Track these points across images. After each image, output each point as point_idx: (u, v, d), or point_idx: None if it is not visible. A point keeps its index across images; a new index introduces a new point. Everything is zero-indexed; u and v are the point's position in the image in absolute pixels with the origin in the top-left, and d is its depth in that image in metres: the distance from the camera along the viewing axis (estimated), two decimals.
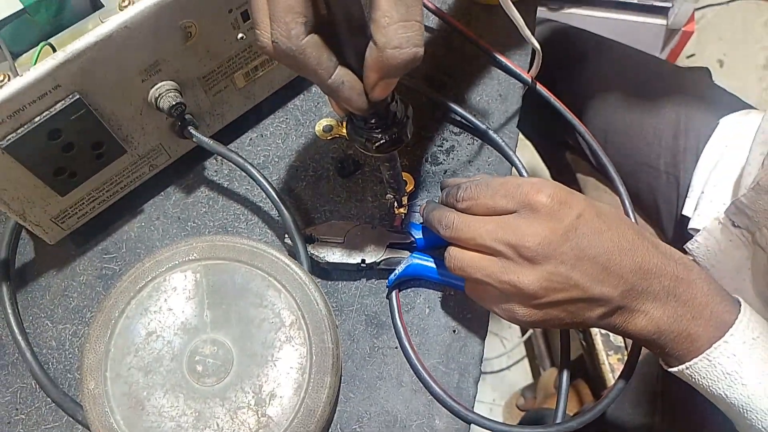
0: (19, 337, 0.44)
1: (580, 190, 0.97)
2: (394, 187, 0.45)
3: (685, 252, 0.61)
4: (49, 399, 0.44)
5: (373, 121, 0.37)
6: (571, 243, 0.36)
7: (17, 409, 0.44)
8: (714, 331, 0.37)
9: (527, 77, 0.55)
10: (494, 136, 0.54)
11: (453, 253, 0.40)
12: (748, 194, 0.50)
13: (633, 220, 0.51)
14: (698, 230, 0.60)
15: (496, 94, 0.57)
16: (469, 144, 0.54)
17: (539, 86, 0.55)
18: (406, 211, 0.50)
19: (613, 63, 0.78)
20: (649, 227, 0.76)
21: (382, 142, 0.37)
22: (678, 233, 0.68)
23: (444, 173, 0.53)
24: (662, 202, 0.71)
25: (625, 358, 0.57)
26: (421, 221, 0.46)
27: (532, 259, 0.36)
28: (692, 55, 1.58)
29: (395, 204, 0.47)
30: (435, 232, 0.42)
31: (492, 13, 0.61)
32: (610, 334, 0.89)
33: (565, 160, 0.88)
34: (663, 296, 0.37)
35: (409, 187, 0.51)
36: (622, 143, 0.73)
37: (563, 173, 1.01)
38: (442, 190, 0.45)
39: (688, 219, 0.63)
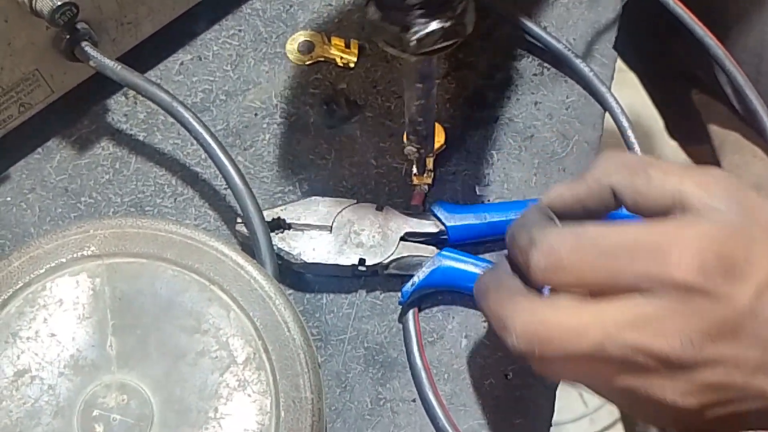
0: None
1: (714, 155, 0.96)
2: (421, 132, 0.46)
3: None
4: None
5: None
6: (749, 337, 0.35)
7: None
8: None
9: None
10: (577, 62, 0.54)
11: (549, 372, 0.39)
12: None
13: None
14: None
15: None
16: (535, 75, 0.54)
17: (720, 50, 0.54)
18: (431, 182, 0.50)
19: None
20: None
21: (428, 31, 0.38)
22: None
23: (494, 122, 0.53)
24: None
25: None
26: (455, 200, 0.46)
27: (684, 369, 0.35)
28: None
29: (416, 165, 0.48)
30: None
31: None
32: None
33: (690, 102, 0.88)
34: None
35: (439, 142, 0.51)
36: None
37: (685, 124, 1.01)
38: (510, 232, 0.41)
39: None
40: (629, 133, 0.53)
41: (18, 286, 0.42)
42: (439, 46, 0.39)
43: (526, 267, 0.37)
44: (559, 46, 0.54)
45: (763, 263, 0.34)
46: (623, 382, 0.36)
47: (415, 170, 0.50)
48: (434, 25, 0.37)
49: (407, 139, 0.47)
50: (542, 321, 0.36)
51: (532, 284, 0.38)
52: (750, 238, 0.35)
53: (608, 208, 0.39)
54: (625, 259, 0.35)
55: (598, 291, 0.36)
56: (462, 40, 0.39)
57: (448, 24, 0.38)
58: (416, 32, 0.37)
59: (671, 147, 1.10)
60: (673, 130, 1.04)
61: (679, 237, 0.35)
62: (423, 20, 0.37)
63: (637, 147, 0.52)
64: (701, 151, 1.07)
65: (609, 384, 0.37)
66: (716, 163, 1.03)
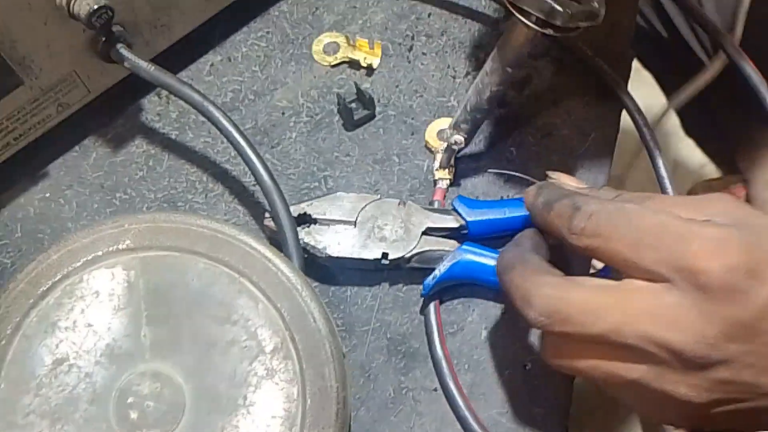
0: None
1: (731, 153, 0.95)
2: (477, 121, 0.47)
3: None
4: None
5: None
6: (761, 338, 0.34)
7: None
8: None
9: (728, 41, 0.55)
10: (595, 61, 0.53)
11: (561, 349, 0.38)
12: None
13: None
14: None
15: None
16: (553, 74, 0.54)
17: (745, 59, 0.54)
18: (452, 178, 0.50)
19: None
20: None
21: (583, 9, 0.40)
22: None
23: (515, 119, 0.53)
24: None
25: None
26: (475, 195, 0.46)
27: (698, 365, 0.35)
28: None
29: (442, 159, 0.48)
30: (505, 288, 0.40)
31: None
32: None
33: (707, 101, 0.87)
34: None
35: (441, 144, 0.51)
36: None
37: (701, 122, 1.00)
38: (537, 195, 0.41)
39: None
40: (645, 130, 0.52)
41: (56, 278, 0.42)
42: (575, 25, 0.40)
43: (566, 229, 0.37)
44: (580, 46, 0.54)
45: None
46: (635, 372, 0.36)
47: (437, 165, 0.50)
48: (585, 6, 0.40)
49: (455, 128, 0.48)
50: (564, 298, 0.36)
51: (567, 247, 0.38)
52: (764, 245, 0.34)
53: None
54: (651, 239, 0.35)
55: (623, 267, 0.36)
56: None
57: (594, 6, 0.41)
58: (569, 7, 0.40)
59: (688, 145, 1.09)
60: (689, 129, 1.03)
61: (703, 232, 0.34)
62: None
63: (654, 146, 0.52)
64: (717, 147, 1.06)
65: (620, 374, 0.36)
66: (732, 161, 1.02)
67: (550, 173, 0.43)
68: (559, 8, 0.40)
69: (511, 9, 0.42)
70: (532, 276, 0.38)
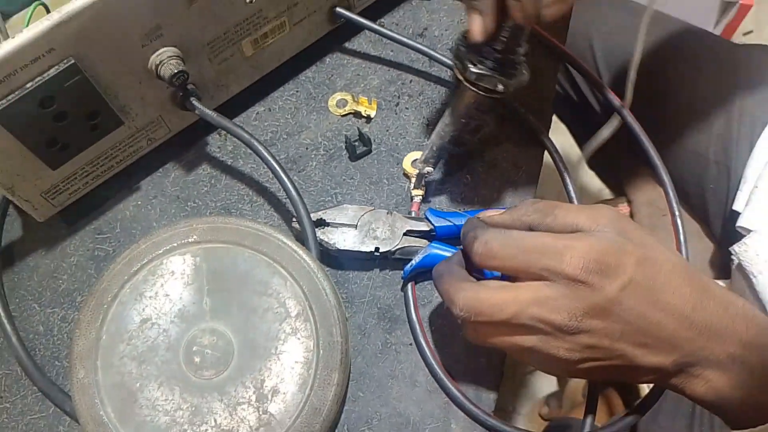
0: (5, 321, 0.45)
1: (620, 181, 0.96)
2: (440, 156, 0.47)
3: (730, 255, 0.60)
4: (35, 388, 0.45)
5: (498, 47, 0.40)
6: (614, 316, 0.35)
7: (1, 398, 0.45)
8: None
9: (619, 104, 0.55)
10: (527, 116, 0.54)
11: (478, 334, 0.38)
12: None
13: (678, 213, 0.51)
14: (747, 229, 0.60)
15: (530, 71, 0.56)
16: (497, 123, 0.54)
17: (631, 117, 0.55)
18: (424, 195, 0.50)
19: (662, 37, 0.77)
20: (695, 224, 0.75)
21: (485, 74, 0.40)
22: (727, 230, 0.68)
23: (469, 156, 0.53)
24: (710, 195, 0.71)
25: None
26: (441, 208, 0.46)
27: (572, 333, 0.35)
28: (750, 32, 1.55)
29: (416, 182, 0.48)
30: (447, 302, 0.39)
31: None
32: None
33: (604, 144, 0.87)
34: (727, 363, 0.36)
35: (414, 171, 0.51)
36: (668, 128, 0.73)
37: (600, 160, 1.01)
38: (463, 232, 0.41)
39: (738, 215, 0.63)
40: (560, 164, 0.53)
41: (144, 262, 0.42)
42: (484, 86, 0.41)
43: (470, 253, 0.38)
44: (515, 105, 0.54)
45: (628, 269, 0.35)
46: (530, 342, 0.36)
47: (413, 186, 0.50)
48: (492, 74, 0.41)
49: (424, 162, 0.48)
50: (476, 298, 0.37)
51: (474, 266, 0.39)
52: (623, 250, 0.35)
53: None
54: (535, 255, 0.35)
55: (515, 276, 0.37)
56: (497, 96, 0.42)
57: (502, 79, 0.41)
58: (479, 69, 0.40)
59: (590, 176, 1.10)
60: (591, 164, 1.03)
61: (573, 245, 0.35)
62: (489, 66, 0.40)
63: (567, 176, 0.52)
64: (611, 179, 1.07)
65: (521, 344, 0.37)
66: (621, 187, 1.02)
67: (479, 215, 0.43)
68: (501, 88, 0.41)
69: (465, 83, 0.42)
70: (455, 282, 0.38)
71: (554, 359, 0.36)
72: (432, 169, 0.48)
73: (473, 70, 0.41)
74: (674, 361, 0.36)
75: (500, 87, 0.41)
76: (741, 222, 0.61)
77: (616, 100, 0.55)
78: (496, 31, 0.40)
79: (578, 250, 0.35)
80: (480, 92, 0.42)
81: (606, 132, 0.53)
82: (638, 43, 0.48)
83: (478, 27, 0.40)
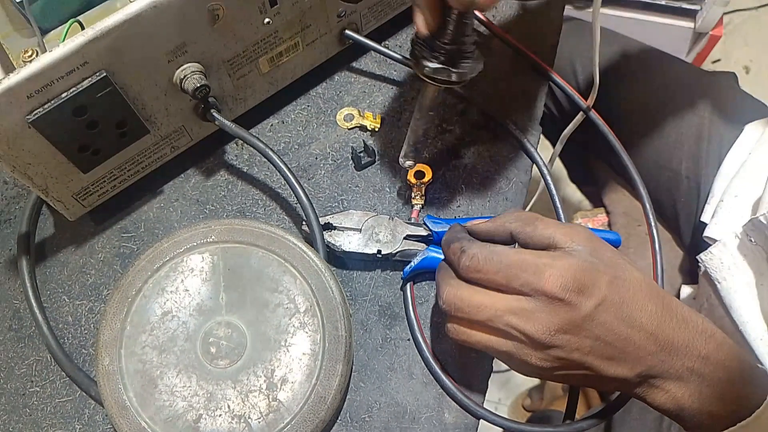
0: (37, 311, 0.45)
1: (599, 193, 0.96)
2: (420, 151, 0.47)
3: (697, 263, 0.60)
4: (63, 373, 0.44)
5: (446, 41, 0.39)
6: (586, 332, 0.34)
7: (32, 381, 0.44)
8: (740, 410, 0.35)
9: (584, 104, 0.54)
10: (517, 133, 0.53)
11: (458, 329, 0.38)
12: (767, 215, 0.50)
13: (653, 224, 0.51)
14: (713, 239, 0.60)
15: (519, 91, 0.56)
16: (490, 139, 0.54)
17: (594, 114, 0.54)
18: (423, 203, 0.50)
19: (638, 65, 0.77)
20: (667, 233, 0.75)
21: (436, 67, 0.40)
22: (696, 240, 0.68)
23: (464, 167, 0.53)
24: (681, 207, 0.70)
25: None
26: (438, 215, 0.46)
27: (545, 346, 0.35)
28: (718, 60, 1.55)
29: (415, 191, 0.48)
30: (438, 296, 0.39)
31: (530, 15, 0.60)
32: None
33: (585, 161, 0.87)
34: (686, 376, 0.35)
35: (427, 178, 0.51)
36: (644, 145, 0.73)
37: (580, 174, 1.01)
38: (445, 239, 0.40)
39: (705, 226, 0.63)
40: (548, 178, 0.53)
41: (166, 259, 0.42)
42: (441, 78, 0.40)
43: (457, 264, 0.38)
44: (507, 123, 0.54)
45: (602, 287, 0.34)
46: (505, 347, 0.36)
47: (414, 195, 0.50)
48: (444, 66, 0.40)
49: (405, 157, 0.47)
50: (458, 295, 0.37)
51: (459, 276, 0.38)
52: (596, 270, 0.35)
53: (506, 242, 0.39)
54: (516, 270, 0.35)
55: (495, 288, 0.36)
56: (455, 85, 0.41)
57: (455, 71, 0.40)
58: (432, 64, 0.40)
59: (572, 188, 1.10)
60: (572, 178, 1.03)
61: (552, 263, 0.35)
62: (441, 60, 0.40)
63: (552, 186, 0.52)
64: (591, 191, 1.07)
65: (496, 347, 0.37)
66: (599, 198, 1.02)
67: (465, 225, 0.42)
68: (455, 78, 0.41)
69: (425, 79, 0.42)
70: (446, 276, 0.38)
71: (527, 364, 0.36)
72: (412, 163, 0.47)
73: (427, 65, 0.40)
74: (638, 373, 0.35)
75: (454, 77, 0.41)
76: (707, 233, 0.61)
77: (582, 101, 0.55)
78: (441, 25, 0.39)
79: (557, 268, 0.34)
80: (438, 84, 0.42)
81: (571, 126, 0.53)
82: (594, 38, 0.47)
83: (421, 22, 0.39)
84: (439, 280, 0.39)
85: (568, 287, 0.34)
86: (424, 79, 0.42)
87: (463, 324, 0.37)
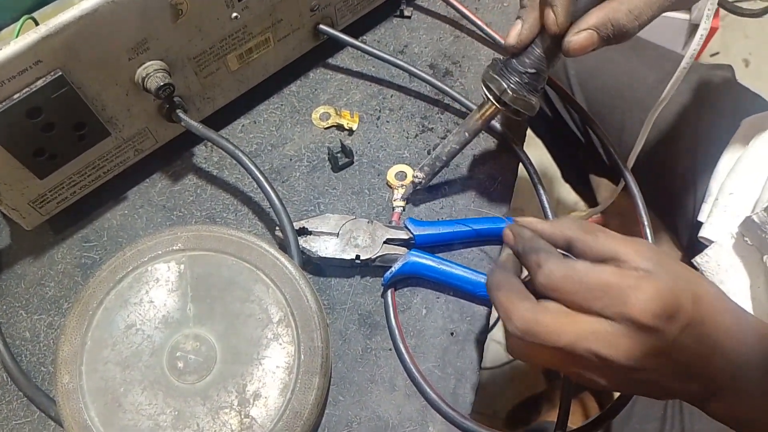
0: None
1: (592, 192, 0.96)
2: (435, 168, 0.49)
3: (693, 265, 0.61)
4: (20, 393, 0.44)
5: (531, 71, 0.42)
6: (669, 357, 0.34)
7: None
8: None
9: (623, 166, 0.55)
10: (502, 129, 0.54)
11: (527, 353, 0.37)
12: (761, 214, 0.51)
13: (647, 223, 0.51)
14: (709, 240, 0.60)
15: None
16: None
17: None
18: (404, 205, 0.50)
19: (633, 58, 0.78)
20: (665, 233, 0.76)
21: (523, 95, 0.43)
22: (693, 239, 0.68)
23: (447, 166, 0.53)
24: (678, 206, 0.71)
25: None
26: (419, 217, 0.46)
27: (625, 371, 0.35)
28: (716, 54, 1.58)
29: (403, 192, 0.49)
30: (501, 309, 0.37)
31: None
32: None
33: (578, 159, 0.88)
34: (749, 389, 0.36)
35: (408, 180, 0.51)
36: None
37: (574, 173, 1.01)
38: (508, 239, 0.39)
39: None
40: (535, 178, 0.53)
41: (129, 269, 0.42)
42: (513, 107, 0.44)
43: (533, 279, 0.36)
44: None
45: (688, 310, 0.34)
46: (576, 368, 0.36)
47: (397, 197, 0.50)
48: (527, 95, 0.43)
49: (420, 170, 0.49)
50: (535, 320, 0.35)
51: (533, 291, 0.37)
52: (680, 291, 0.34)
53: (557, 247, 0.38)
54: (598, 293, 0.34)
55: (577, 309, 0.35)
56: (522, 119, 0.46)
57: (533, 100, 0.43)
58: (515, 90, 0.43)
59: (567, 188, 1.11)
60: (566, 178, 1.04)
61: (638, 287, 0.34)
62: (524, 88, 0.43)
63: (540, 188, 0.52)
64: (585, 191, 1.08)
65: (568, 368, 0.36)
66: (593, 198, 1.03)
67: (518, 219, 0.40)
68: (526, 108, 0.44)
69: (492, 100, 0.44)
70: (514, 298, 0.36)
71: (598, 384, 0.36)
72: (423, 176, 0.48)
73: (507, 87, 0.43)
74: (709, 389, 0.36)
75: (529, 106, 0.44)
76: (702, 233, 0.61)
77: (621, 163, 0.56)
78: (527, 46, 0.42)
79: (644, 292, 0.33)
80: (502, 108, 0.44)
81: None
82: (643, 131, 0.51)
83: (515, 31, 0.42)
84: (502, 299, 0.37)
85: (657, 314, 0.33)
86: (492, 101, 0.44)
87: (536, 348, 0.36)
